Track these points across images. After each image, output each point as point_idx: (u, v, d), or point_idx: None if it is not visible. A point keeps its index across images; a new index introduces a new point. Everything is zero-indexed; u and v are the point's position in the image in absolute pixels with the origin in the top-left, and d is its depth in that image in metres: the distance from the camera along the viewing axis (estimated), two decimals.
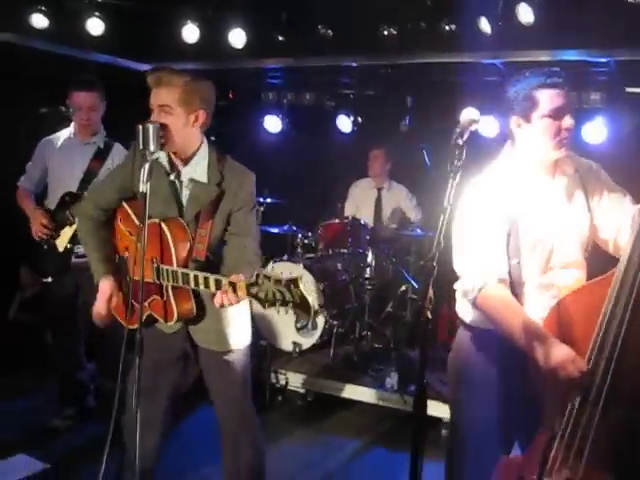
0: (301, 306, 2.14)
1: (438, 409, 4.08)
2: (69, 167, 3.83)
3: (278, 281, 2.16)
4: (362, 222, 5.48)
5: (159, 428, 2.80)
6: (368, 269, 5.25)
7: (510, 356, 2.20)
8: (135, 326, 2.42)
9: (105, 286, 2.68)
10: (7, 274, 4.20)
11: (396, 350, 4.95)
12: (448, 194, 1.95)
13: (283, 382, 4.70)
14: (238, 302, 2.36)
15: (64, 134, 3.92)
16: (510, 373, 2.27)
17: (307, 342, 4.89)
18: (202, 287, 2.41)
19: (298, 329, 4.92)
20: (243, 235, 2.63)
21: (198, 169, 2.59)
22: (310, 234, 5.70)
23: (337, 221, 5.64)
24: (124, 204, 2.72)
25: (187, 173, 2.60)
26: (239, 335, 2.74)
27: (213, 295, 2.41)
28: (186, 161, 2.59)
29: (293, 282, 2.14)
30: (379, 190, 6.08)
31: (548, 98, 2.18)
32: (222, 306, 2.38)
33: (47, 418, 3.99)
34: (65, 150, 3.88)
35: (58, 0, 4.67)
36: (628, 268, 1.94)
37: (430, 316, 1.88)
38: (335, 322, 4.96)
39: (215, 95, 2.61)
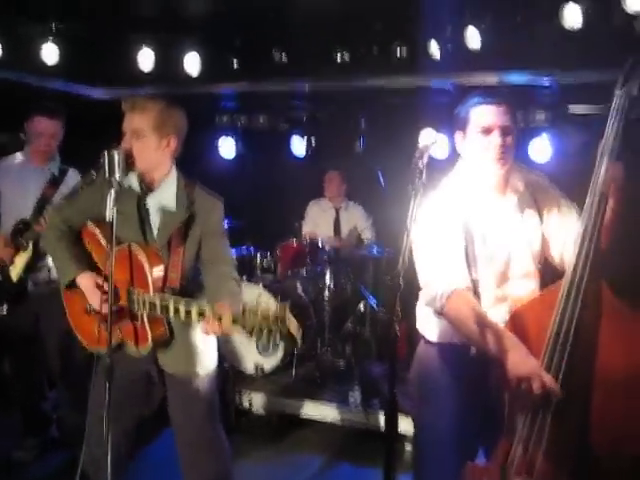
0: (286, 337, 2.19)
1: (402, 423, 4.16)
2: (22, 193, 3.74)
3: (265, 317, 2.18)
4: (320, 243, 5.54)
5: (121, 450, 2.72)
6: (327, 288, 5.32)
7: (471, 368, 2.26)
8: (100, 348, 2.40)
9: (85, 279, 2.57)
10: None
11: (357, 366, 5.01)
12: (410, 215, 2.03)
13: (247, 403, 4.68)
14: (222, 332, 2.34)
15: (16, 158, 3.83)
16: (471, 384, 2.32)
17: (269, 363, 4.90)
18: (182, 318, 2.38)
19: (260, 352, 4.94)
20: (217, 262, 2.65)
21: (166, 195, 2.60)
22: (269, 255, 5.76)
23: (295, 242, 5.72)
24: (92, 226, 2.68)
25: (156, 198, 2.61)
26: (206, 359, 2.74)
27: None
28: (155, 186, 2.61)
29: (280, 318, 2.18)
30: (337, 210, 6.18)
31: (480, 116, 2.31)
32: (207, 334, 2.39)
33: (10, 450, 3.90)
34: (18, 176, 3.78)
35: (12, 27, 4.64)
36: (572, 281, 1.99)
37: (398, 331, 1.96)
38: None
39: (187, 123, 2.65)
